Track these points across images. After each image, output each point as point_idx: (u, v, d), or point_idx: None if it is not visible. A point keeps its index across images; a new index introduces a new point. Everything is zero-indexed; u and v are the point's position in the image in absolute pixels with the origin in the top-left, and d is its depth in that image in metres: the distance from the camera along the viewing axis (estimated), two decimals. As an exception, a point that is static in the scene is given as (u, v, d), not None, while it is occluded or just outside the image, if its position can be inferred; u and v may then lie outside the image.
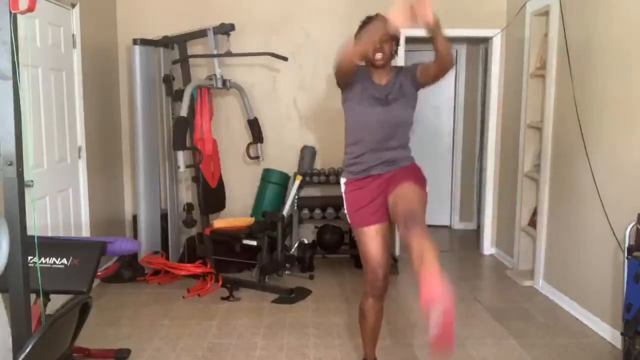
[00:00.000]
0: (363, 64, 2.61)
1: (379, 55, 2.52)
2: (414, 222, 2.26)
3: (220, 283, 4.18)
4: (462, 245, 5.62)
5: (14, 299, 1.95)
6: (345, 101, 2.67)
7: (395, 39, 2.57)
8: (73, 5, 3.94)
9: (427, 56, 2.72)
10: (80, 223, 4.04)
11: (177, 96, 4.45)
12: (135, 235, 4.64)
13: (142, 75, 4.41)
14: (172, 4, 4.86)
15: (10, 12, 1.79)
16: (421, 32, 2.86)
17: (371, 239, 2.59)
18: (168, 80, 4.56)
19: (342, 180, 2.72)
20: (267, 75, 4.98)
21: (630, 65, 3.12)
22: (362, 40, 2.46)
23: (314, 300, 4.01)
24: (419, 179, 2.58)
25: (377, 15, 2.58)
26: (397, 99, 2.56)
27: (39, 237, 2.19)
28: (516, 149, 4.68)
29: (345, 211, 2.71)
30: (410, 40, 4.76)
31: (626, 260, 2.82)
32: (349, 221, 2.70)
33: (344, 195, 2.71)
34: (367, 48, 2.44)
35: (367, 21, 2.62)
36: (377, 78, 2.60)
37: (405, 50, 4.81)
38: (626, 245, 2.85)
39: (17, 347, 1.90)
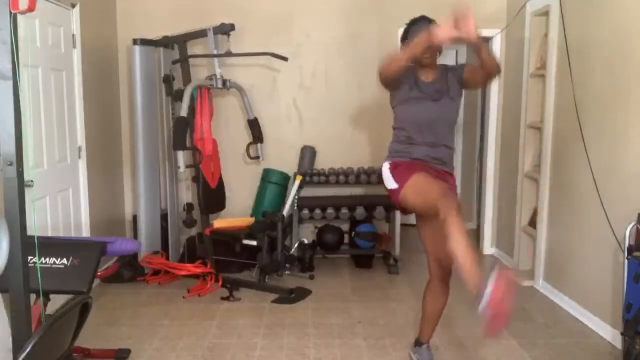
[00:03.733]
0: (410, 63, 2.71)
1: (426, 53, 2.59)
2: (450, 271, 2.74)
3: (220, 283, 4.18)
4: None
5: (14, 299, 1.95)
6: (394, 101, 2.74)
7: None
8: (73, 5, 3.94)
9: (453, 54, 2.76)
10: (80, 223, 4.04)
11: (177, 96, 4.45)
12: (135, 235, 4.64)
13: (142, 75, 4.41)
14: (172, 4, 4.86)
15: (10, 12, 1.79)
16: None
17: (430, 179, 2.49)
18: (168, 80, 4.56)
19: (386, 164, 2.70)
20: (267, 75, 4.98)
21: (630, 65, 3.12)
22: (408, 47, 2.48)
23: (314, 300, 4.01)
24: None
25: (421, 17, 2.69)
26: (443, 95, 2.65)
27: (39, 237, 2.19)
28: (516, 149, 4.68)
29: (391, 179, 2.61)
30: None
31: (626, 260, 2.82)
32: (396, 185, 2.57)
33: (388, 172, 2.65)
34: (413, 54, 2.46)
35: (412, 24, 2.71)
36: (424, 76, 2.69)
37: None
38: (626, 245, 2.84)
39: (17, 347, 1.90)
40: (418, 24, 2.67)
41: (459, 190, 6.29)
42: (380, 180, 4.97)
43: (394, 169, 2.66)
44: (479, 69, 2.56)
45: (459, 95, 2.70)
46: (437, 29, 2.26)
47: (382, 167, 2.76)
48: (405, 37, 2.74)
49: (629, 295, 2.76)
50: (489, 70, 2.52)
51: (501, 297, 2.03)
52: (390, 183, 2.65)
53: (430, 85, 2.66)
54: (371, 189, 4.93)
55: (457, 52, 6.13)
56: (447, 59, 6.10)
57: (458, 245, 2.38)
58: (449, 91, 2.66)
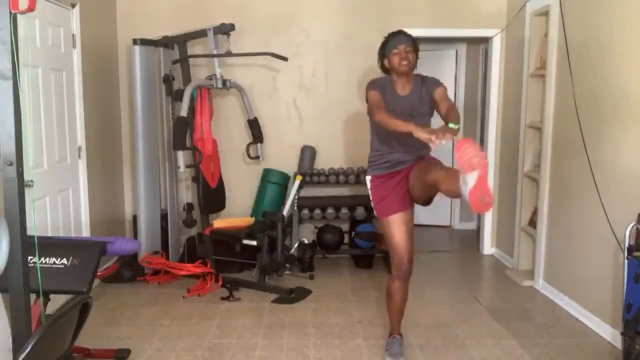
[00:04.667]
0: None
1: (404, 61, 2.80)
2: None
3: (220, 283, 4.18)
4: (462, 245, 5.62)
5: (14, 299, 1.95)
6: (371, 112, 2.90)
7: (416, 50, 2.86)
8: (73, 5, 3.94)
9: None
10: (80, 223, 4.04)
11: (177, 96, 4.45)
12: (135, 235, 4.64)
13: (142, 75, 4.41)
14: (172, 4, 4.86)
15: (10, 12, 1.79)
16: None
17: (397, 226, 2.88)
18: (168, 80, 4.56)
19: (368, 178, 3.02)
20: (267, 75, 4.99)
21: (630, 65, 3.12)
22: (393, 124, 2.61)
23: (314, 300, 4.01)
24: (434, 158, 2.93)
25: (399, 32, 2.87)
26: (418, 112, 2.85)
27: (39, 237, 2.19)
28: (516, 149, 4.68)
29: (372, 203, 3.00)
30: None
31: (626, 260, 2.82)
32: (375, 214, 3.00)
33: (370, 191, 3.01)
34: (394, 129, 2.63)
35: (391, 37, 2.88)
36: (400, 87, 2.88)
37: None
38: (626, 245, 2.84)
39: (17, 347, 1.90)
40: (396, 38, 2.84)
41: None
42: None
43: (374, 191, 2.98)
44: (442, 114, 2.78)
45: (431, 110, 2.91)
46: (420, 132, 2.41)
47: (365, 179, 3.07)
48: (383, 51, 2.91)
49: (629, 295, 2.76)
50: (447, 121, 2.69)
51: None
52: (373, 204, 3.01)
53: (405, 99, 2.86)
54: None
55: (457, 51, 6.13)
56: (448, 61, 6.11)
57: (392, 303, 3.03)
58: (422, 106, 2.86)
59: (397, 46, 2.80)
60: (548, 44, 4.09)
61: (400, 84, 2.88)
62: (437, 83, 2.88)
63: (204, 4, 4.85)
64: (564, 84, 3.85)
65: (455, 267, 4.98)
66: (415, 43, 2.86)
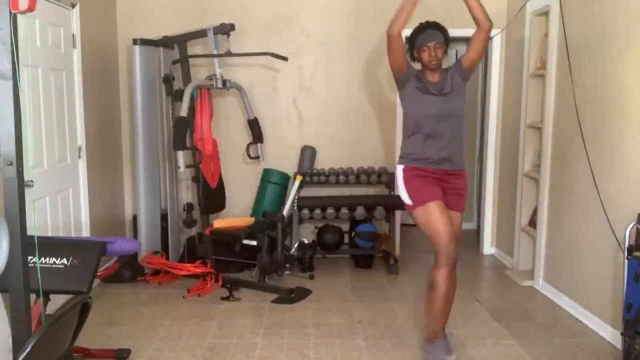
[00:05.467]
0: (419, 67, 2.93)
1: (433, 61, 2.83)
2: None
3: (220, 283, 4.18)
4: (462, 245, 5.59)
5: (14, 299, 1.95)
6: (403, 97, 2.95)
7: (446, 42, 2.87)
8: (73, 5, 3.94)
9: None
10: (80, 223, 4.04)
11: (177, 96, 4.45)
12: (135, 235, 4.64)
13: (142, 75, 4.41)
14: (172, 4, 4.86)
15: (10, 12, 1.79)
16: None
17: (437, 214, 2.77)
18: (168, 80, 4.56)
19: (400, 167, 2.93)
20: (267, 75, 4.98)
21: (630, 65, 3.12)
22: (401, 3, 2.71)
23: (314, 300, 4.01)
24: (465, 203, 3.02)
25: (429, 25, 2.87)
26: (450, 91, 2.85)
27: (38, 237, 2.19)
28: (516, 149, 4.68)
29: (406, 193, 2.86)
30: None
31: (626, 260, 2.82)
32: (410, 203, 2.84)
33: (402, 181, 2.89)
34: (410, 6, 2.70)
35: (419, 32, 2.88)
36: (430, 77, 2.89)
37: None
38: (626, 245, 2.85)
39: (17, 347, 1.90)
40: (426, 33, 2.83)
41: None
42: (380, 180, 4.97)
43: (408, 181, 2.87)
44: (471, 40, 2.87)
45: (463, 89, 2.91)
46: None
47: (396, 168, 2.99)
48: (412, 43, 2.89)
49: (629, 295, 2.76)
50: (481, 26, 2.80)
51: None
52: (404, 196, 2.89)
53: (437, 84, 2.89)
54: (371, 189, 4.93)
55: (457, 51, 6.13)
56: (448, 61, 6.10)
57: (437, 295, 2.80)
58: (456, 87, 2.87)
59: (426, 44, 2.81)
60: (548, 44, 4.09)
61: (429, 74, 2.90)
62: (458, 60, 2.95)
63: (204, 4, 4.85)
64: (564, 84, 3.85)
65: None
66: (445, 35, 2.87)
